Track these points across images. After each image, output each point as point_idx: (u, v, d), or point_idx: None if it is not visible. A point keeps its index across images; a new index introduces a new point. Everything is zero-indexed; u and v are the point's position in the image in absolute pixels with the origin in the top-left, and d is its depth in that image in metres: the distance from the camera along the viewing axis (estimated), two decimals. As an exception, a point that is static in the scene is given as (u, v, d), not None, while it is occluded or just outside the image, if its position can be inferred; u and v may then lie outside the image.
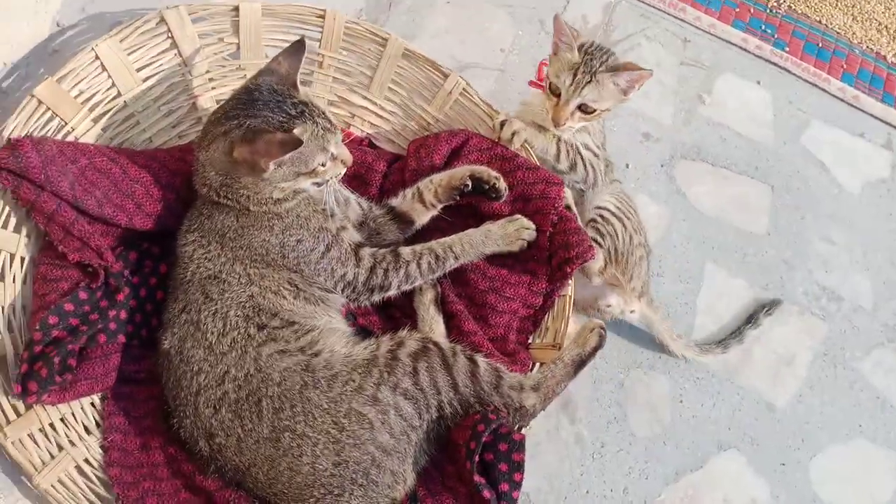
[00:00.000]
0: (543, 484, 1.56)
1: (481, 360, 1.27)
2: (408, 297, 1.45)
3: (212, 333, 1.22)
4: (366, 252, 1.35)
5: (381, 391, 1.20)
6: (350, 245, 1.34)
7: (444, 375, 1.23)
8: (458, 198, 1.45)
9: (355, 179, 1.53)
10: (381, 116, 1.63)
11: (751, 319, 1.76)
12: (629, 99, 1.51)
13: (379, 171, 1.55)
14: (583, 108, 1.50)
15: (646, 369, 1.70)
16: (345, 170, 1.32)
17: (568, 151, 1.56)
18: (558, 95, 1.49)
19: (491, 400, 1.26)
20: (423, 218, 1.47)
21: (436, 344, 1.26)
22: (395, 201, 1.47)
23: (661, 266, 1.78)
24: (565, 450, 1.61)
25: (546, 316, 1.47)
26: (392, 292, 1.38)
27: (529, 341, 1.46)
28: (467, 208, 1.50)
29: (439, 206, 1.46)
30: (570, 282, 1.44)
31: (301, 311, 1.28)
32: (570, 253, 1.41)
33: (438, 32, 1.91)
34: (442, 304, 1.45)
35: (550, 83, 1.52)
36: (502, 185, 1.44)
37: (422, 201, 1.45)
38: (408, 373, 1.22)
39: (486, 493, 1.20)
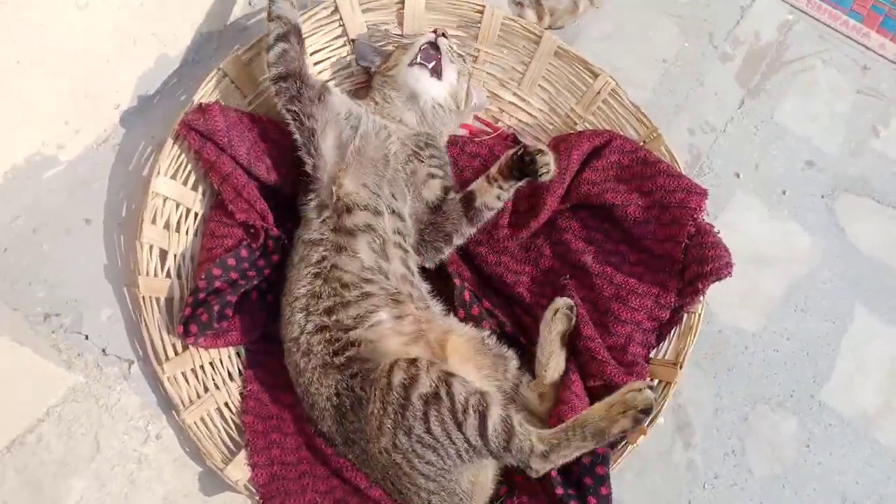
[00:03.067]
0: (646, 504, 1.52)
1: (494, 413, 1.20)
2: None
3: None
4: None
5: (399, 437, 1.19)
6: None
7: (455, 430, 1.19)
8: (517, 176, 1.42)
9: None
10: (528, 112, 1.66)
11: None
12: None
13: (518, 165, 1.58)
14: None
15: (773, 406, 1.61)
16: None
17: None
18: None
19: (502, 457, 1.23)
20: (485, 196, 1.45)
21: (449, 391, 1.19)
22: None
23: (807, 301, 1.68)
24: (675, 474, 1.55)
25: (672, 331, 1.44)
26: None
27: (651, 355, 1.44)
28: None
29: (503, 184, 1.43)
30: (701, 298, 1.40)
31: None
32: (704, 268, 1.35)
33: (601, 37, 1.91)
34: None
35: None
36: (544, 159, 1.38)
37: (486, 177, 1.46)
38: (419, 418, 1.18)
39: None
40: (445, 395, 1.18)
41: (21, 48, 1.20)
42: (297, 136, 1.35)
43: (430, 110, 1.47)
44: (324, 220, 1.33)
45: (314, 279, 1.29)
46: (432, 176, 1.44)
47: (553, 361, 1.38)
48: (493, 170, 1.45)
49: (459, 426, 1.18)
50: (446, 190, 1.45)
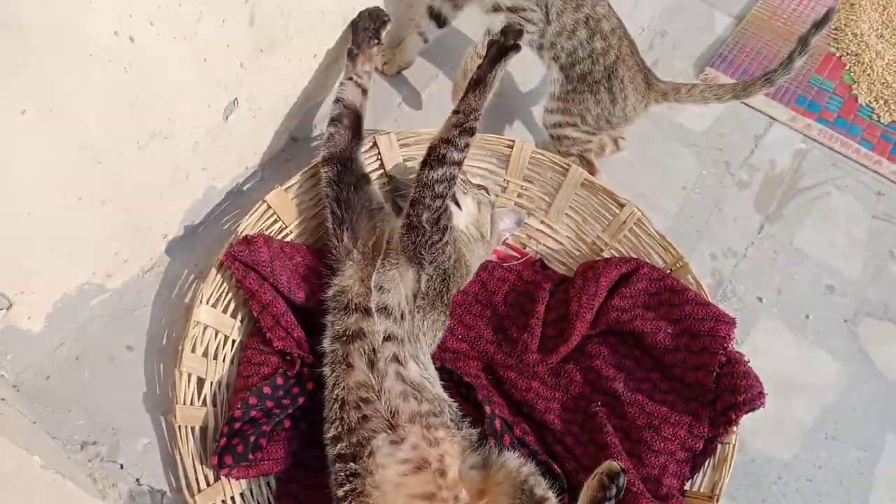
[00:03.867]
0: None
1: None
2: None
3: None
4: None
5: None
6: None
7: None
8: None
9: (524, 296, 1.60)
10: (555, 239, 1.71)
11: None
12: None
13: (546, 289, 1.60)
14: None
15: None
16: None
17: None
18: None
19: None
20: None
21: None
22: None
23: (837, 429, 1.67)
24: None
25: (706, 462, 1.43)
26: None
27: (685, 487, 1.42)
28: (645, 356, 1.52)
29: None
30: (735, 429, 1.39)
31: None
32: (737, 398, 1.36)
33: (623, 164, 1.99)
34: (594, 433, 1.43)
35: None
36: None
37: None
38: None
39: None
40: None
41: (84, 185, 1.27)
42: (328, 222, 1.42)
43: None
44: (332, 324, 1.33)
45: (329, 406, 1.28)
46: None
47: None
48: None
49: None
50: None
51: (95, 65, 1.14)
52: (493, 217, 1.58)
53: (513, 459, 1.26)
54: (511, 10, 1.55)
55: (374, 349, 1.27)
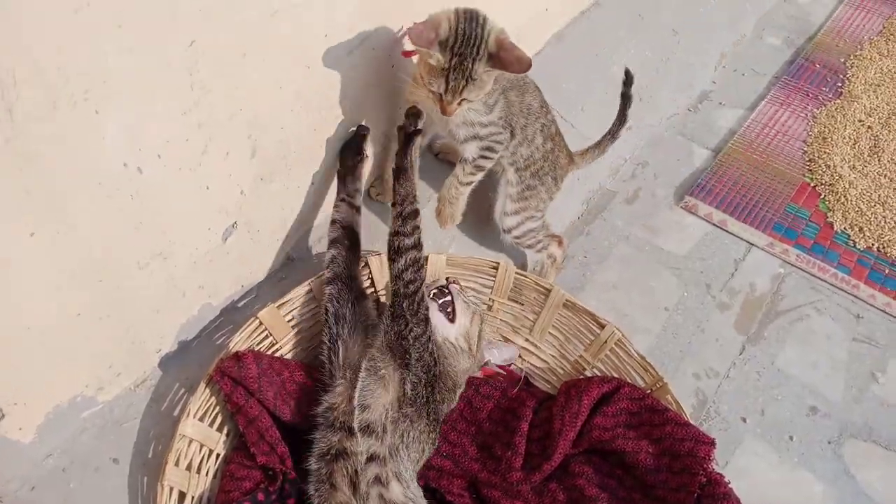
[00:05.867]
0: None
1: None
2: None
3: None
4: None
5: None
6: None
7: None
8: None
9: (508, 413, 1.63)
10: (539, 357, 1.77)
11: None
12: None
13: (530, 407, 1.63)
14: (467, 100, 1.52)
15: None
16: None
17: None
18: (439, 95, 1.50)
19: None
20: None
21: None
22: None
23: (828, 554, 1.65)
24: None
25: (691, 586, 1.41)
26: None
27: None
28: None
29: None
30: (716, 552, 1.39)
31: None
32: (718, 519, 1.37)
33: (606, 286, 2.06)
34: None
35: (427, 82, 1.50)
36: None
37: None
38: None
39: None
40: None
41: (84, 301, 1.34)
42: (324, 338, 1.49)
43: (441, 343, 1.53)
44: (317, 440, 1.36)
45: None
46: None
47: None
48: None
49: None
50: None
51: (104, 192, 1.24)
52: (481, 332, 1.63)
53: None
54: (481, 137, 1.69)
55: (356, 471, 1.31)
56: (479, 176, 1.77)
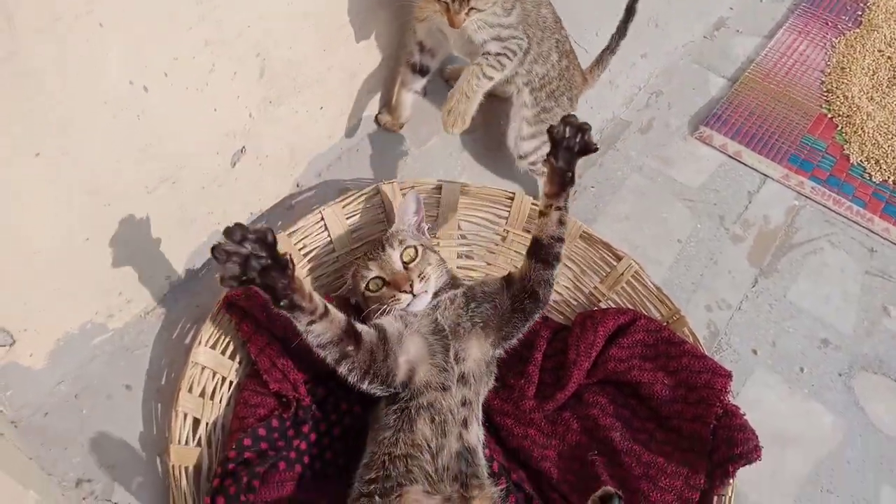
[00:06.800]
0: None
1: None
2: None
3: None
4: None
5: None
6: None
7: None
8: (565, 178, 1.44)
9: (522, 343, 1.60)
10: (554, 289, 1.73)
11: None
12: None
13: (544, 337, 1.62)
14: (476, 8, 1.51)
15: None
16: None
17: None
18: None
19: None
20: (547, 228, 1.46)
21: None
22: None
23: (833, 482, 1.66)
24: None
25: (702, 514, 1.42)
26: None
27: (682, 538, 1.41)
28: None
29: (555, 200, 1.45)
30: (731, 481, 1.39)
31: None
32: (733, 451, 1.36)
33: (618, 217, 2.03)
34: (591, 481, 1.42)
35: None
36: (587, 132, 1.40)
37: (539, 214, 1.48)
38: None
39: None
40: None
41: (92, 227, 1.30)
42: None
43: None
44: (392, 411, 1.33)
45: (372, 456, 1.29)
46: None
47: None
48: (541, 202, 1.47)
49: None
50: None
51: (109, 111, 1.18)
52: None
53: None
54: (503, 39, 1.62)
55: (449, 413, 1.31)
56: (499, 76, 1.65)
